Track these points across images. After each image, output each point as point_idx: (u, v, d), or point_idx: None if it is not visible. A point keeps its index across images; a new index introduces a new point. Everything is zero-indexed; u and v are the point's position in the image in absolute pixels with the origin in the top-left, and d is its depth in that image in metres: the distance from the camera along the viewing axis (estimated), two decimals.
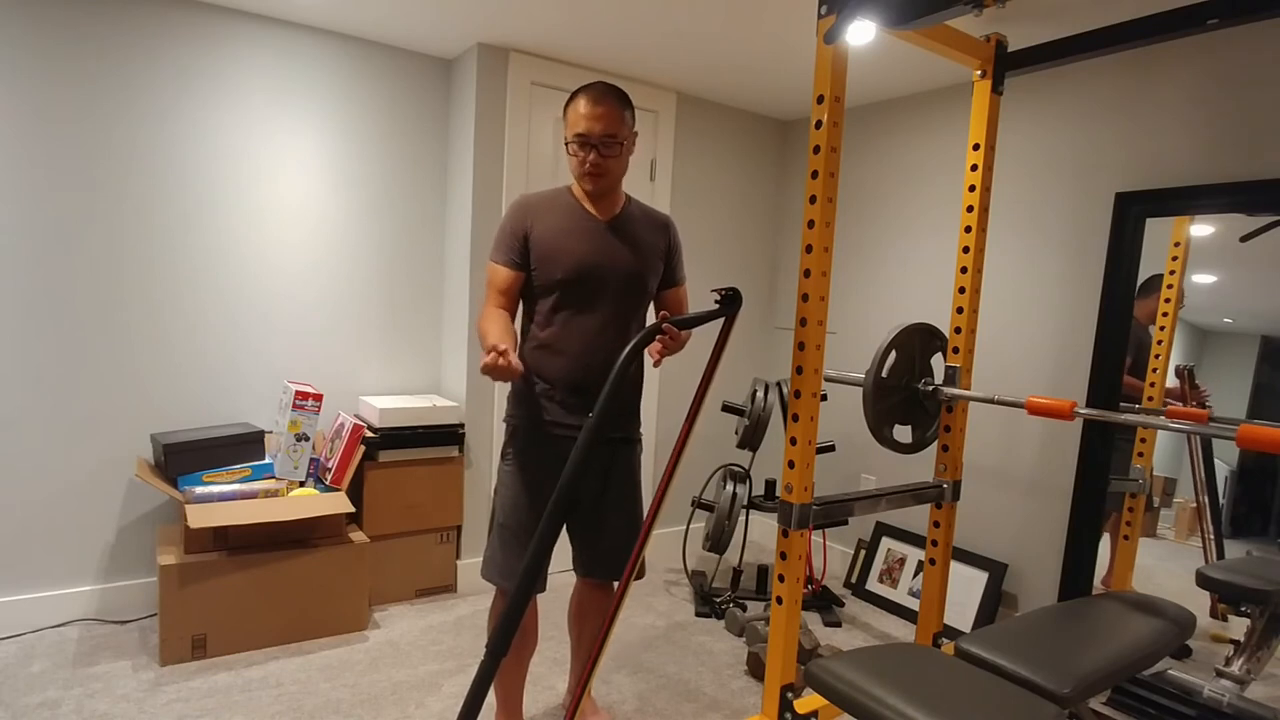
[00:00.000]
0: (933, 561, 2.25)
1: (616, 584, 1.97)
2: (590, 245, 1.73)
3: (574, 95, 1.72)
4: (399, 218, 2.94)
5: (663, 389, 3.37)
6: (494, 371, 1.51)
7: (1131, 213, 2.31)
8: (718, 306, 1.67)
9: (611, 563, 1.87)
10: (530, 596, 1.49)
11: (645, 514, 1.93)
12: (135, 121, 2.43)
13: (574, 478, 1.49)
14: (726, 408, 2.98)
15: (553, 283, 1.73)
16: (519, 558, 1.76)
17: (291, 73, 2.66)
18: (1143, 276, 2.30)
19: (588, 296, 1.74)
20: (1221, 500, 2.15)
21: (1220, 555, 2.13)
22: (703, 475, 3.58)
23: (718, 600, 2.88)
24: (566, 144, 1.73)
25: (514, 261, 1.74)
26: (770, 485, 3.05)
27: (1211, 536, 2.15)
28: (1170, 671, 2.17)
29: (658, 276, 1.85)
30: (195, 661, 2.26)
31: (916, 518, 3.03)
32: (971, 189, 2.15)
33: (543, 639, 2.54)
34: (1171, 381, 2.23)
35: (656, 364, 1.73)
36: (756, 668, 2.38)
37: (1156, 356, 2.26)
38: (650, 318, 1.93)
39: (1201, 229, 2.18)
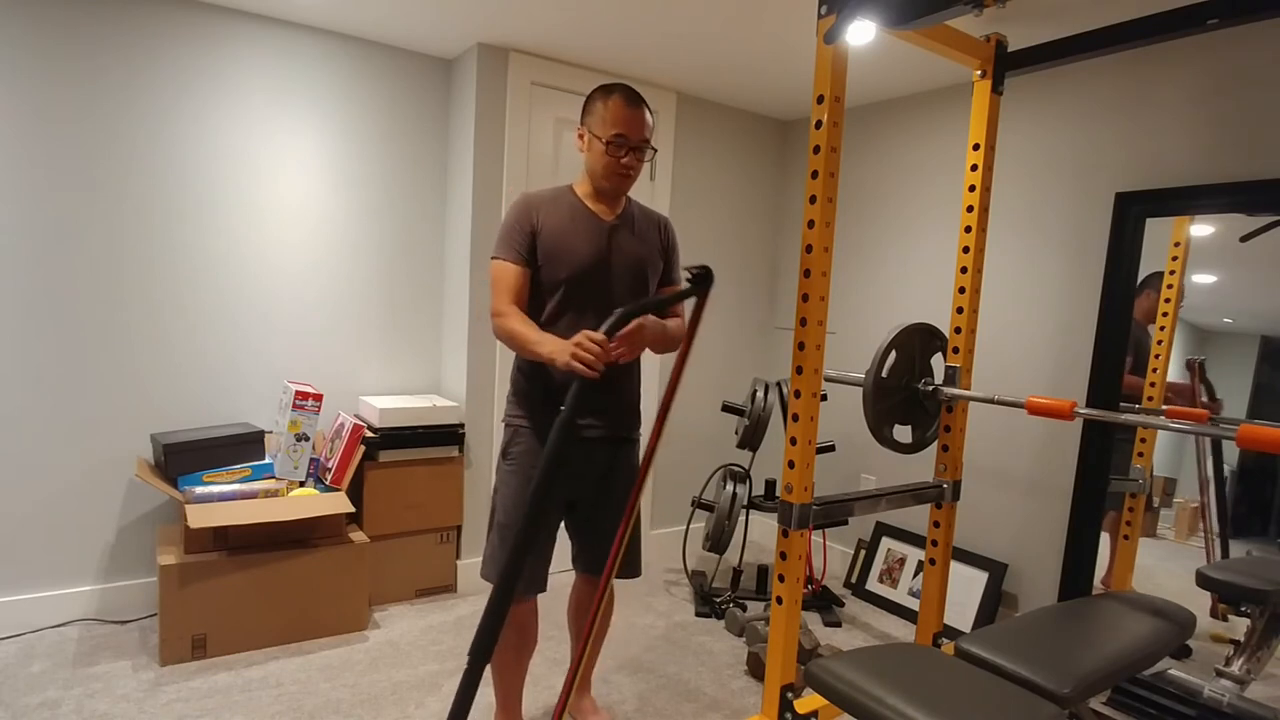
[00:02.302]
0: (933, 561, 2.25)
1: (617, 580, 1.98)
2: (595, 245, 1.74)
3: (607, 93, 1.71)
4: (399, 218, 2.94)
5: (663, 386, 3.37)
6: (607, 359, 1.47)
7: (1131, 213, 2.31)
8: (690, 285, 1.63)
9: (628, 562, 1.89)
10: (509, 599, 1.44)
11: (641, 512, 1.93)
12: (135, 121, 2.43)
13: (548, 474, 1.45)
14: (726, 408, 2.98)
15: (557, 282, 1.73)
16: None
17: (291, 73, 2.66)
18: (1142, 276, 2.30)
19: (591, 296, 1.74)
20: (1203, 499, 2.15)
21: (1225, 554, 2.13)
22: (703, 475, 3.58)
23: (718, 600, 2.88)
24: (601, 140, 1.70)
25: (523, 257, 1.73)
26: (770, 485, 3.05)
27: (1216, 536, 2.15)
28: (1170, 671, 2.17)
29: (657, 274, 1.86)
30: (195, 661, 2.26)
31: (916, 518, 3.03)
32: (971, 189, 2.15)
33: (543, 639, 2.54)
34: (1169, 381, 2.23)
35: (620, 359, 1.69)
36: (756, 668, 2.38)
37: (1156, 356, 2.26)
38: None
39: (1201, 229, 2.18)
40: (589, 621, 1.63)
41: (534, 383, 1.79)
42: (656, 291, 1.91)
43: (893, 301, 3.12)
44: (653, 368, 3.30)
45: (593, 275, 1.73)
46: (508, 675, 1.88)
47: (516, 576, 1.45)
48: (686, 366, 1.71)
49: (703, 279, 1.63)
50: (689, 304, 1.73)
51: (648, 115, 1.72)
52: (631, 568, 1.92)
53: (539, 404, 1.77)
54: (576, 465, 1.78)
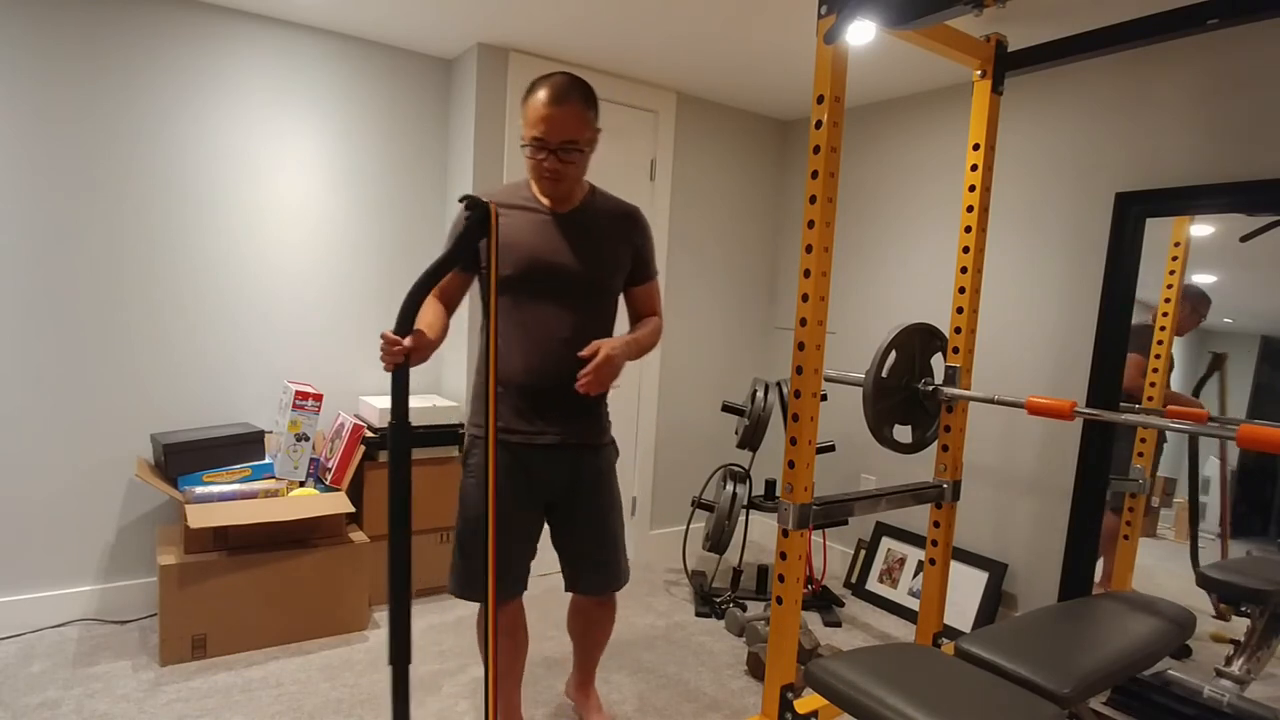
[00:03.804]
0: (933, 561, 2.25)
1: (607, 596, 1.86)
2: (539, 241, 1.64)
3: (533, 87, 1.57)
4: (399, 218, 2.94)
5: (663, 386, 3.37)
6: (388, 356, 1.41)
7: (1131, 213, 2.31)
8: (467, 223, 1.51)
9: (590, 575, 1.79)
10: (407, 603, 1.38)
11: (620, 521, 1.81)
12: (135, 121, 2.43)
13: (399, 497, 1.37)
14: (726, 408, 2.98)
15: (503, 280, 1.64)
16: (477, 570, 1.71)
17: (291, 73, 2.66)
18: (1143, 277, 2.29)
19: (539, 295, 1.64)
20: (1203, 499, 2.15)
21: (1194, 555, 2.15)
22: (703, 475, 3.58)
23: (718, 600, 2.88)
24: (522, 143, 1.60)
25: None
26: (770, 485, 3.05)
27: (1215, 536, 2.15)
28: (1170, 671, 2.17)
29: (622, 272, 1.73)
30: (195, 661, 2.26)
31: (916, 518, 3.03)
32: (971, 189, 2.15)
33: (542, 639, 2.54)
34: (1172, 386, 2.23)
35: (587, 392, 1.57)
36: (756, 668, 2.38)
37: (1157, 356, 2.26)
38: (622, 316, 1.83)
39: (1201, 229, 2.18)
40: (492, 645, 1.53)
41: (488, 385, 1.70)
42: (628, 291, 1.79)
43: (893, 301, 3.12)
44: (649, 368, 3.30)
45: (537, 272, 1.63)
46: (505, 679, 1.85)
47: (406, 584, 1.38)
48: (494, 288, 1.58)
49: (474, 207, 1.47)
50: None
51: (578, 110, 1.56)
52: (605, 581, 1.80)
53: (505, 407, 1.69)
54: (537, 473, 1.71)
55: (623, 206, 1.75)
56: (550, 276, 1.64)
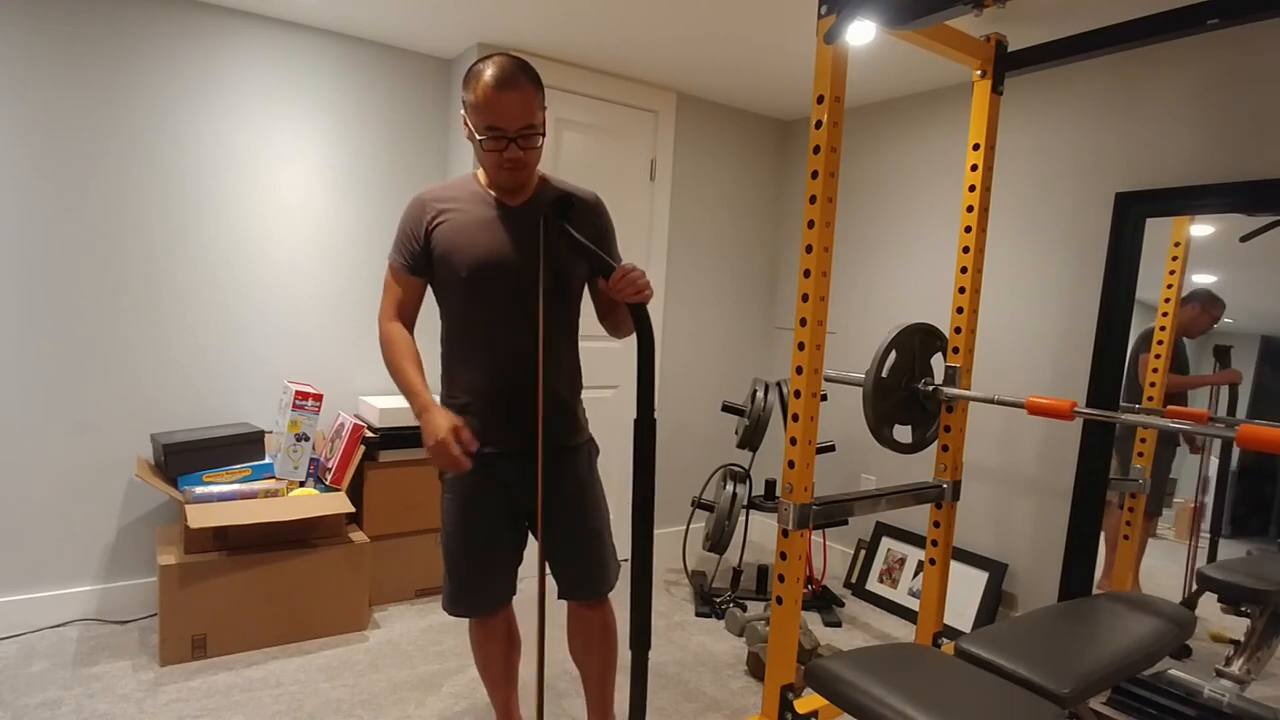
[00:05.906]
0: (933, 561, 2.25)
1: (604, 600, 1.76)
2: (495, 238, 1.54)
3: (476, 73, 1.46)
4: (399, 218, 2.93)
5: (663, 386, 3.37)
6: (448, 460, 1.44)
7: (1131, 213, 2.31)
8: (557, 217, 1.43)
9: (586, 580, 1.70)
10: (649, 587, 1.38)
11: (604, 522, 1.72)
12: (135, 121, 2.43)
13: None
14: (726, 408, 2.98)
15: (456, 283, 1.55)
16: (463, 587, 1.67)
17: (291, 73, 2.66)
18: (1143, 277, 2.30)
19: (499, 297, 1.55)
20: (1203, 499, 2.15)
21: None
22: (703, 475, 3.58)
23: (718, 600, 2.88)
24: (476, 136, 1.49)
25: (410, 265, 1.59)
26: (770, 485, 3.05)
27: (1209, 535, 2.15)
28: (1170, 671, 2.17)
29: (584, 265, 1.63)
30: (195, 661, 2.26)
31: (916, 518, 3.03)
32: (971, 189, 2.15)
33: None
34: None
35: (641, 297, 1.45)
36: (756, 668, 2.38)
37: (1157, 357, 2.26)
38: (591, 314, 1.74)
39: (1201, 229, 2.18)
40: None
41: (455, 390, 1.61)
42: (592, 284, 1.70)
43: (893, 301, 3.12)
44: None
45: (494, 272, 1.53)
46: (499, 688, 1.82)
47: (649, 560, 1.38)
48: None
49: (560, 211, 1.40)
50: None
51: (531, 92, 1.47)
52: (595, 584, 1.70)
53: (471, 417, 1.58)
54: (513, 482, 1.63)
55: (581, 194, 1.65)
56: (510, 276, 1.55)
